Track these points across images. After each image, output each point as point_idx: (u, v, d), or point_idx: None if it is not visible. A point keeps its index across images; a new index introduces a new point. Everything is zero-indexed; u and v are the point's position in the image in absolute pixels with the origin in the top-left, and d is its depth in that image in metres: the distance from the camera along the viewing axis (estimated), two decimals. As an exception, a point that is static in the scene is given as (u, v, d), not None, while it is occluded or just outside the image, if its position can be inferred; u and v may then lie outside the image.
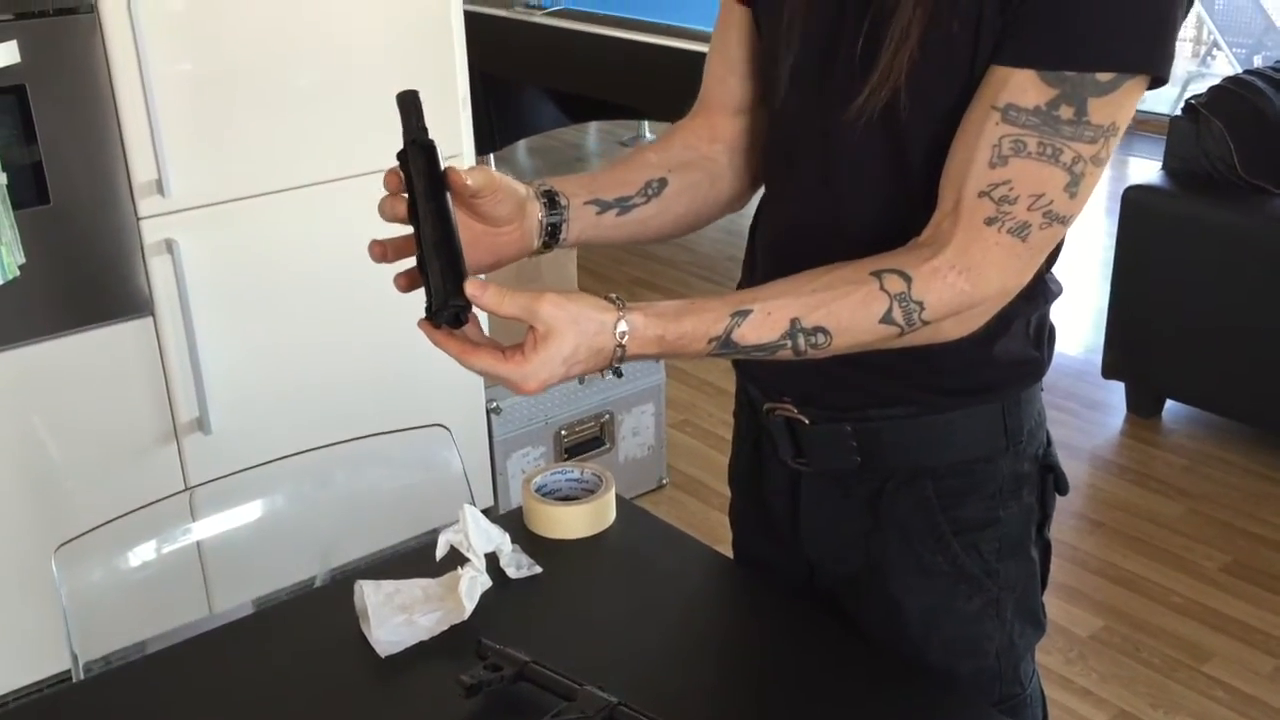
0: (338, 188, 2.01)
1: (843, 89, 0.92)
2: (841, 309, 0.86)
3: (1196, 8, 5.06)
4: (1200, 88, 4.99)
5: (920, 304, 0.86)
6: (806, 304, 0.86)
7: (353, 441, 1.33)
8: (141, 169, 1.81)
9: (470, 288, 0.82)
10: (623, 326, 0.83)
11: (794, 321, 0.86)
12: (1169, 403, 2.93)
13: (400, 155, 0.88)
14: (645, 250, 3.78)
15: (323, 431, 1.36)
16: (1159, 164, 2.82)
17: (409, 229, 0.89)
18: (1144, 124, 4.46)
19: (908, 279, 0.86)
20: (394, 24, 2.03)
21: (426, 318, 0.83)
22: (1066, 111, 0.83)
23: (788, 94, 0.98)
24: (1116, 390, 2.97)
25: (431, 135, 0.89)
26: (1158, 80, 0.85)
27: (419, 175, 0.86)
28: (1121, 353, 2.87)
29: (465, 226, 0.89)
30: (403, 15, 2.03)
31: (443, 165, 0.89)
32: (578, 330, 0.82)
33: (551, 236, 0.98)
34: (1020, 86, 0.84)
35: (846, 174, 0.97)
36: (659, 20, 3.58)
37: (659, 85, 3.61)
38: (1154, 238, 2.72)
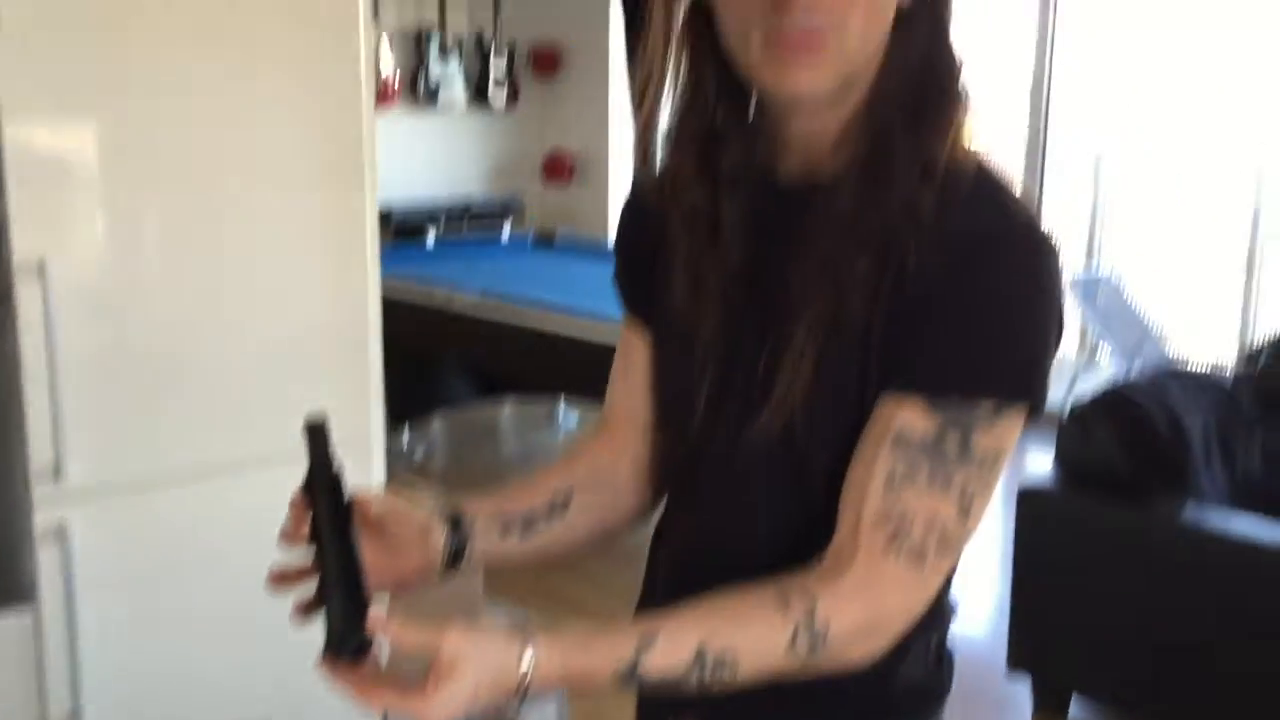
0: (241, 477, 1.99)
1: (742, 413, 0.96)
2: (746, 635, 0.87)
3: (1081, 312, 5.40)
4: (1088, 382, 5.28)
5: (824, 630, 0.87)
6: (711, 630, 0.86)
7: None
8: (39, 452, 1.78)
9: (372, 619, 0.81)
10: (527, 659, 0.83)
11: (699, 648, 0.86)
12: (1076, 697, 2.92)
13: (306, 484, 0.88)
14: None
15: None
16: (1050, 458, 2.92)
17: (306, 557, 0.89)
18: (1037, 418, 4.64)
19: (811, 605, 0.87)
20: (310, 305, 2.05)
21: (324, 653, 0.82)
22: (952, 441, 0.88)
23: (688, 417, 1.01)
24: (1022, 689, 2.96)
25: (338, 464, 0.90)
26: (1034, 409, 0.90)
27: (325, 506, 0.87)
28: (1025, 647, 2.88)
29: (368, 550, 0.90)
30: (319, 302, 2.07)
31: (348, 496, 0.89)
32: (481, 663, 0.81)
33: (455, 560, 0.99)
34: (909, 417, 0.89)
35: (746, 494, 0.99)
36: (573, 305, 3.71)
37: (571, 367, 3.71)
38: (1049, 536, 2.79)
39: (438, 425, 5.17)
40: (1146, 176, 6.27)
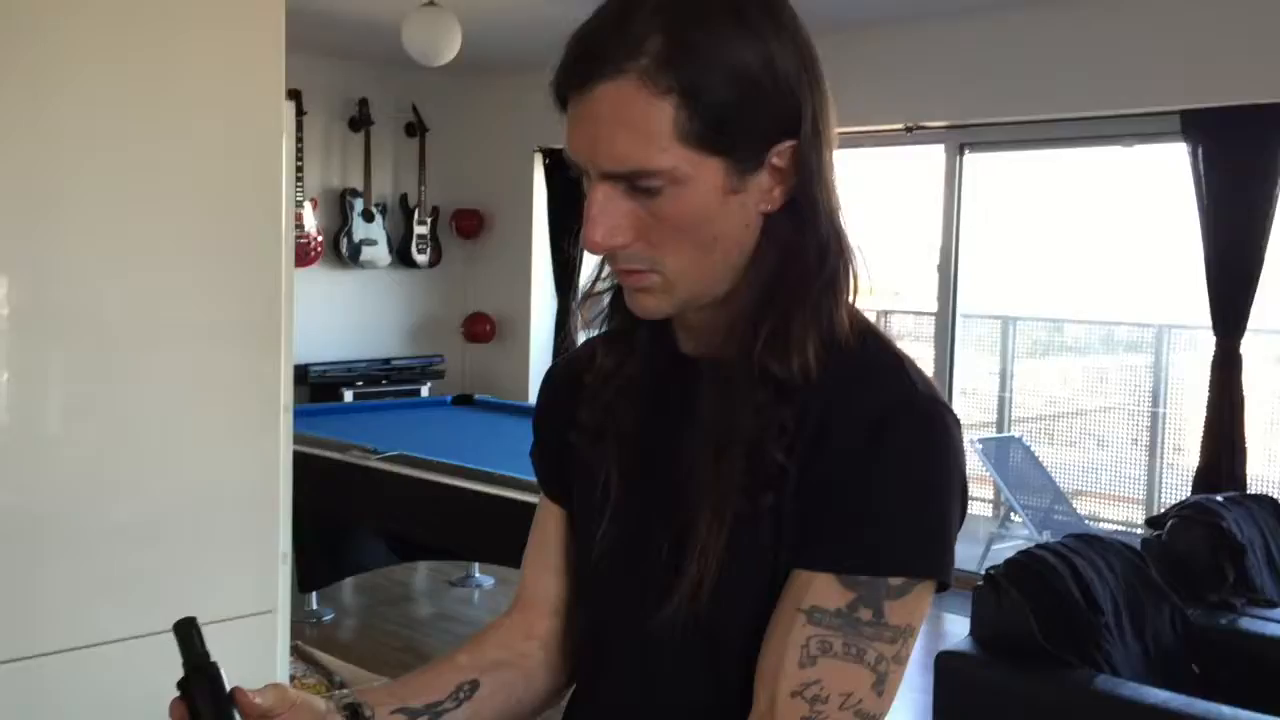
0: (143, 645, 1.90)
1: (652, 591, 0.96)
2: None
3: (992, 475, 5.50)
4: (1002, 546, 5.35)
5: None
6: None
7: None
8: (-79, 625, 1.70)
9: None
10: None
11: None
12: None
13: (182, 684, 0.86)
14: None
15: None
16: (968, 623, 2.93)
17: None
18: (954, 581, 4.67)
19: None
20: (219, 467, 2.00)
21: None
22: (865, 614, 0.88)
23: (600, 597, 1.02)
24: None
25: (213, 658, 0.87)
26: (942, 585, 0.92)
27: (205, 703, 0.85)
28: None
29: None
30: (229, 463, 2.01)
31: (228, 686, 0.87)
32: None
33: None
34: (821, 589, 0.89)
35: (659, 672, 0.99)
36: (490, 469, 3.68)
37: (488, 530, 3.66)
38: (967, 702, 2.77)
39: (348, 588, 5.04)
40: (1054, 339, 6.49)
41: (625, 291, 0.97)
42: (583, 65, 0.89)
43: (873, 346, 0.96)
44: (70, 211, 1.81)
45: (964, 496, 0.94)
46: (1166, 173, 4.91)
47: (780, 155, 0.93)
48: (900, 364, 0.95)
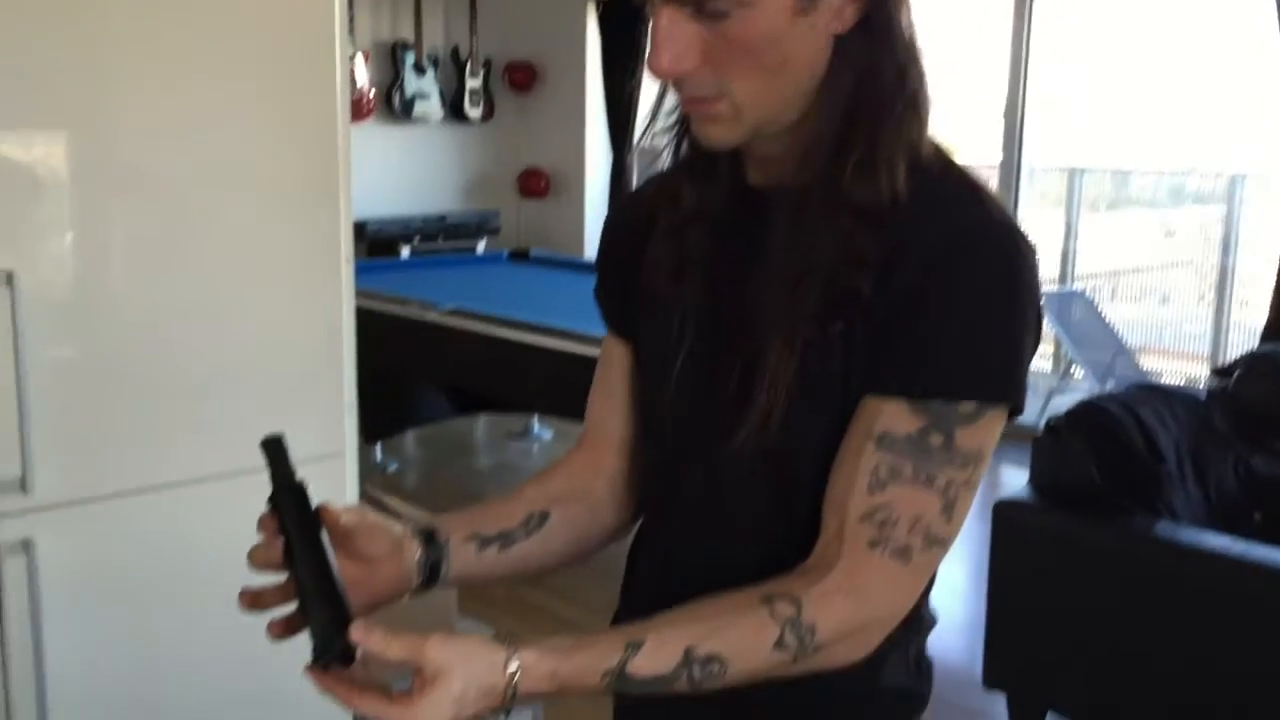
0: (214, 487, 1.96)
1: (722, 422, 0.96)
2: (734, 636, 0.87)
3: (1053, 328, 5.43)
4: (1061, 400, 5.31)
5: (811, 628, 0.87)
6: (699, 632, 0.86)
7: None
8: (5, 465, 1.75)
9: (355, 632, 0.81)
10: (514, 664, 0.82)
11: (688, 651, 0.86)
12: (1051, 714, 2.92)
13: (271, 501, 0.88)
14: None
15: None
16: (1026, 473, 2.93)
17: (278, 577, 0.88)
18: (1011, 434, 4.67)
19: (797, 604, 0.87)
20: (283, 318, 2.03)
21: (312, 663, 0.82)
22: (936, 439, 0.88)
23: (669, 427, 1.02)
24: (998, 702, 2.96)
25: (300, 476, 0.89)
26: (1014, 410, 0.92)
27: (292, 520, 0.87)
28: (1001, 662, 2.88)
29: (342, 568, 0.89)
30: (292, 315, 2.05)
31: (314, 504, 0.89)
32: (466, 670, 0.80)
33: (431, 575, 0.98)
34: (892, 416, 0.89)
35: (728, 503, 1.00)
36: (548, 323, 3.70)
37: (546, 383, 3.70)
38: (1025, 551, 2.79)
39: (411, 440, 5.14)
40: (1122, 192, 6.32)
41: (693, 123, 0.96)
42: None
43: (952, 172, 0.94)
44: (130, 68, 1.81)
45: (1038, 323, 0.93)
46: (1246, 11, 4.69)
47: None
48: (976, 190, 0.93)
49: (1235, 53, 5.36)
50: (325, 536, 0.87)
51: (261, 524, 0.89)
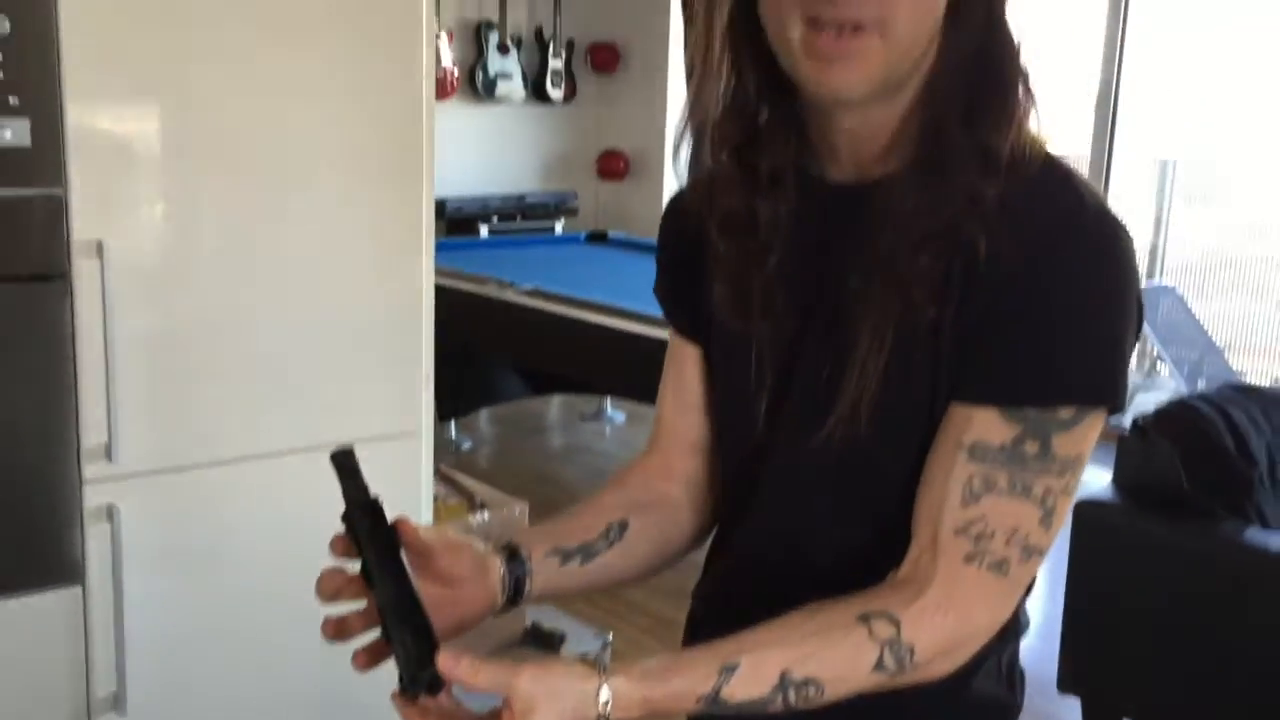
0: (293, 460, 1.98)
1: (805, 421, 0.93)
2: (832, 659, 0.84)
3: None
4: (1146, 398, 5.18)
5: (911, 648, 0.85)
6: (795, 655, 0.84)
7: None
8: (92, 433, 1.79)
9: (443, 661, 0.79)
10: (605, 694, 0.80)
11: (784, 675, 0.83)
12: (1126, 721, 2.86)
13: (345, 519, 0.84)
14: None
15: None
16: (1109, 473, 2.86)
17: (349, 607, 0.85)
18: (1094, 431, 4.57)
19: (895, 623, 0.85)
20: (364, 295, 2.05)
21: (400, 690, 0.80)
22: (1032, 447, 0.84)
23: (749, 426, 0.98)
24: (1072, 708, 2.90)
25: (374, 492, 0.85)
26: (1115, 409, 0.87)
27: (369, 540, 0.83)
28: (1077, 666, 2.81)
29: (424, 589, 0.86)
30: (372, 291, 2.06)
31: (390, 519, 0.86)
32: (558, 705, 0.78)
33: (516, 592, 0.95)
34: (984, 424, 0.85)
35: (810, 507, 0.97)
36: (623, 305, 3.69)
37: (621, 366, 3.69)
38: (1106, 553, 2.72)
39: (485, 419, 5.18)
40: (1214, 184, 6.14)
41: (816, 64, 0.85)
42: None
43: (1046, 162, 0.89)
44: (219, 44, 1.83)
45: (1139, 315, 0.88)
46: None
47: None
48: (1073, 179, 0.88)
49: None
50: (404, 556, 0.84)
51: (333, 546, 0.86)
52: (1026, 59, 0.89)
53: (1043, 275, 0.84)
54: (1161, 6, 5.25)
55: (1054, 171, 0.89)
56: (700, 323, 1.05)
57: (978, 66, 0.88)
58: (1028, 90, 0.89)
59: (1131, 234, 0.87)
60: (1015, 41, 0.89)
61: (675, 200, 1.10)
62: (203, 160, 1.85)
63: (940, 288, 0.86)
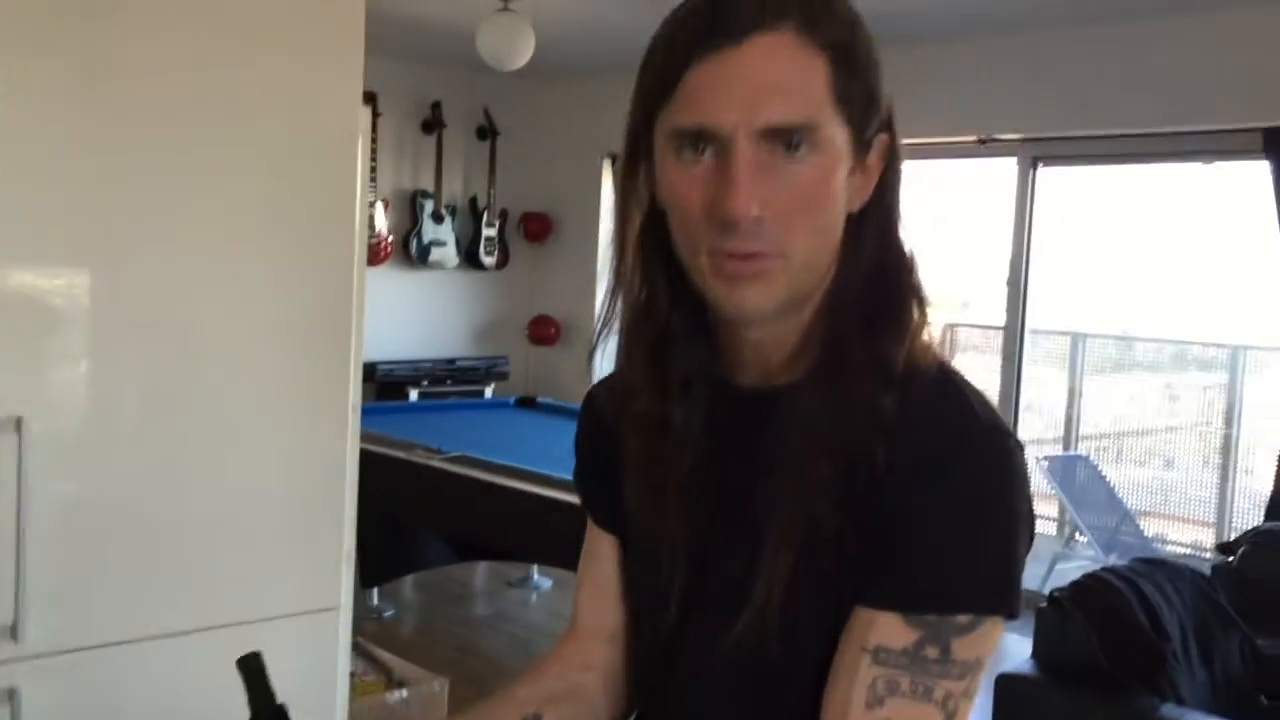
0: (204, 639, 1.93)
1: (716, 623, 0.94)
2: None
3: (1058, 494, 5.41)
4: (1067, 566, 5.25)
5: None
6: None
7: None
8: (-1, 612, 1.74)
9: None
10: None
11: None
12: None
13: None
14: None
15: None
16: (1030, 641, 2.88)
17: None
18: (1016, 600, 4.61)
19: None
20: (286, 464, 2.03)
21: None
22: (932, 652, 0.87)
23: (661, 625, 1.00)
24: None
25: (281, 699, 0.86)
26: (1011, 616, 0.90)
27: None
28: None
29: None
30: (297, 459, 2.04)
31: None
32: None
33: None
34: (887, 629, 0.87)
35: (721, 707, 0.97)
36: (551, 473, 3.69)
37: (548, 533, 3.67)
38: (1028, 727, 2.72)
39: (409, 585, 5.09)
40: (1124, 357, 6.37)
41: (723, 285, 0.89)
42: (734, 19, 0.85)
43: (940, 373, 0.93)
44: (149, 208, 1.84)
45: (1030, 527, 0.91)
46: (1247, 191, 4.80)
47: (878, 146, 0.92)
48: (966, 392, 0.92)
49: (1234, 227, 5.47)
50: None
51: None
52: (919, 277, 0.95)
53: (939, 487, 0.87)
54: (1067, 189, 5.54)
55: (948, 384, 0.92)
56: (617, 516, 1.06)
57: (874, 284, 0.93)
58: (921, 306, 0.94)
59: (1023, 445, 0.92)
60: (909, 259, 0.95)
61: (591, 399, 1.12)
62: (128, 324, 1.83)
63: (843, 497, 0.89)
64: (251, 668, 0.86)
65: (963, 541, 0.88)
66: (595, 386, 1.12)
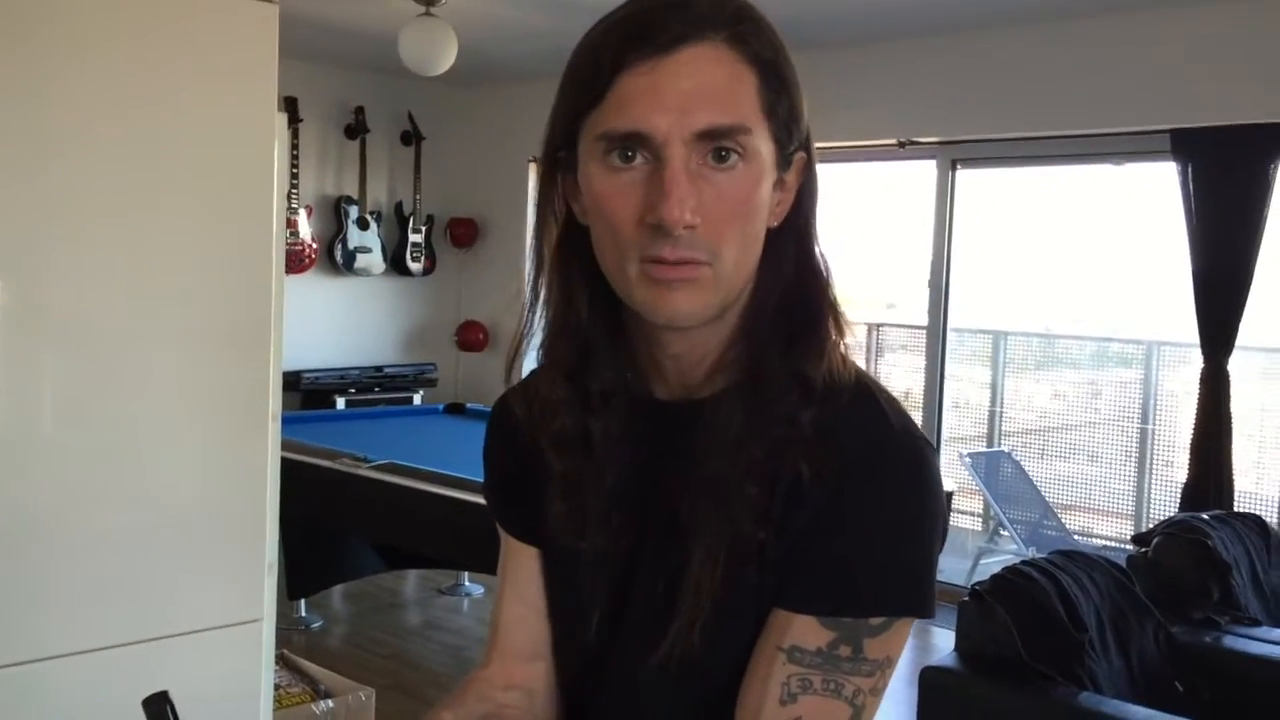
0: (122, 655, 1.91)
1: (642, 638, 0.96)
2: None
3: (981, 489, 5.50)
4: (991, 561, 5.35)
5: None
6: None
7: None
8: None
9: None
10: None
11: None
12: None
13: None
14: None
15: None
16: (954, 635, 2.93)
17: None
18: (941, 595, 4.68)
19: None
20: (205, 476, 2.00)
21: None
22: (845, 650, 0.89)
23: (582, 641, 1.01)
24: None
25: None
26: (924, 615, 0.93)
27: None
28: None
29: None
30: (216, 469, 2.02)
31: None
32: None
33: None
34: (803, 630, 0.90)
35: (649, 714, 0.99)
36: (479, 479, 3.68)
37: (477, 539, 3.66)
38: (950, 718, 2.77)
39: (338, 595, 5.03)
40: (1045, 355, 6.51)
41: (653, 292, 0.89)
42: (667, 29, 0.86)
43: (856, 384, 0.95)
44: (63, 217, 1.82)
45: (944, 529, 0.94)
46: (1157, 191, 4.94)
47: (797, 164, 0.94)
48: (876, 402, 0.94)
49: (1146, 226, 5.62)
50: None
51: None
52: (835, 293, 0.96)
53: (856, 496, 0.90)
54: (986, 190, 5.65)
55: (863, 393, 0.94)
56: (535, 529, 1.06)
57: (791, 299, 0.95)
58: (837, 321, 0.96)
59: (937, 451, 0.95)
60: (825, 275, 0.96)
61: (501, 413, 1.11)
62: (42, 333, 1.81)
63: (766, 511, 0.91)
64: (156, 709, 0.85)
65: (881, 547, 0.90)
66: (508, 393, 1.11)
